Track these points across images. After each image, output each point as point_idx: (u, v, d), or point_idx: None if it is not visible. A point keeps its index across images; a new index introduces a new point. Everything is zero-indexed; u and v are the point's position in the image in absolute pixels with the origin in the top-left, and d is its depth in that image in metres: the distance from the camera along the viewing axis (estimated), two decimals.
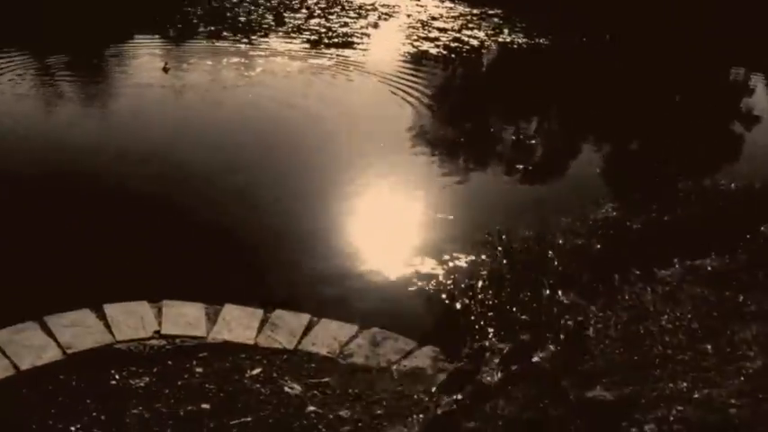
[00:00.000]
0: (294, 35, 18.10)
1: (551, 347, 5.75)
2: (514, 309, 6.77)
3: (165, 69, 14.25)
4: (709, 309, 5.50)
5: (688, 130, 12.00)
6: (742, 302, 5.41)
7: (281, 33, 18.22)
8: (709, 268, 6.40)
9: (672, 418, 4.09)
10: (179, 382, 5.14)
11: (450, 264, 7.58)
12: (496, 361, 5.87)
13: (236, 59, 15.38)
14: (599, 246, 7.64)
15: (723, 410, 4.08)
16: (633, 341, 5.31)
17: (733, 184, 8.58)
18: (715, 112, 13.50)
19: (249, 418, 4.77)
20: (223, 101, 12.66)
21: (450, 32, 18.85)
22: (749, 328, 4.93)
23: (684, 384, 4.47)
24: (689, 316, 5.44)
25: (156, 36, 17.23)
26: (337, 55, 16.29)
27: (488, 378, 5.42)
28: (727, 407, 4.11)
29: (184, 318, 5.92)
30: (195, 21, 18.71)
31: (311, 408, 4.98)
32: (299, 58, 15.93)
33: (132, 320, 5.79)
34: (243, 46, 16.65)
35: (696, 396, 4.30)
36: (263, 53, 16.10)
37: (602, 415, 4.35)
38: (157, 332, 5.70)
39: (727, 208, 7.97)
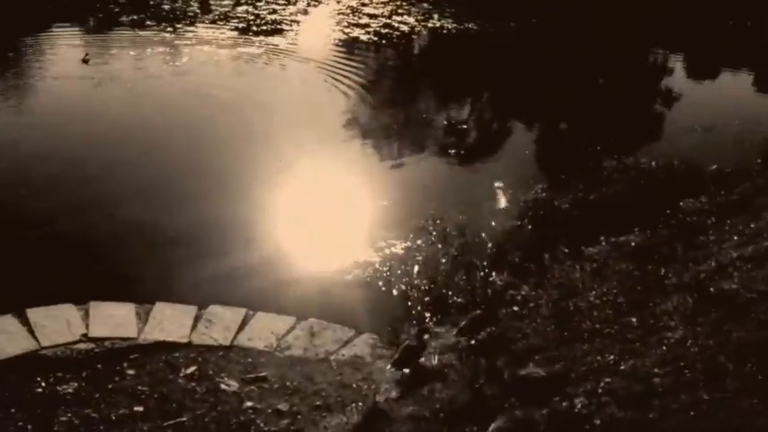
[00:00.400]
0: (221, 23, 17.69)
1: (486, 328, 5.87)
2: (450, 292, 6.86)
3: (86, 60, 13.71)
4: (634, 283, 5.72)
5: (611, 111, 12.36)
6: (663, 275, 5.65)
7: (207, 21, 17.76)
8: (633, 244, 6.64)
9: (600, 390, 4.24)
10: (110, 386, 5.00)
11: (386, 251, 7.61)
12: (434, 345, 5.96)
13: (160, 49, 14.92)
14: (529, 226, 7.81)
15: (647, 380, 4.26)
16: (563, 318, 5.48)
17: (654, 162, 8.90)
18: (637, 92, 13.95)
19: (184, 419, 4.69)
20: (147, 92, 12.27)
21: (380, 18, 18.79)
22: (670, 300, 5.15)
23: (611, 357, 4.64)
24: (615, 291, 5.64)
25: (76, 26, 16.55)
26: (266, 43, 16.02)
27: (426, 362, 5.49)
28: (652, 376, 4.29)
29: (113, 319, 5.75)
30: (117, 10, 18.04)
31: (249, 403, 4.93)
32: (227, 46, 15.59)
33: (58, 324, 5.58)
34: (168, 35, 16.16)
35: (622, 367, 4.46)
36: (189, 42, 15.68)
37: (534, 391, 4.47)
38: (85, 335, 5.52)
39: (648, 185, 8.26)
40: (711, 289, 5.09)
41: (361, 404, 4.95)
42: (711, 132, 10.50)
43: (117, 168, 9.09)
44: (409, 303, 6.79)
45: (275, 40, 16.39)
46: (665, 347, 4.55)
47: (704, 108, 12.35)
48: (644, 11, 19.17)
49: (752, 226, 6.21)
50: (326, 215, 8.45)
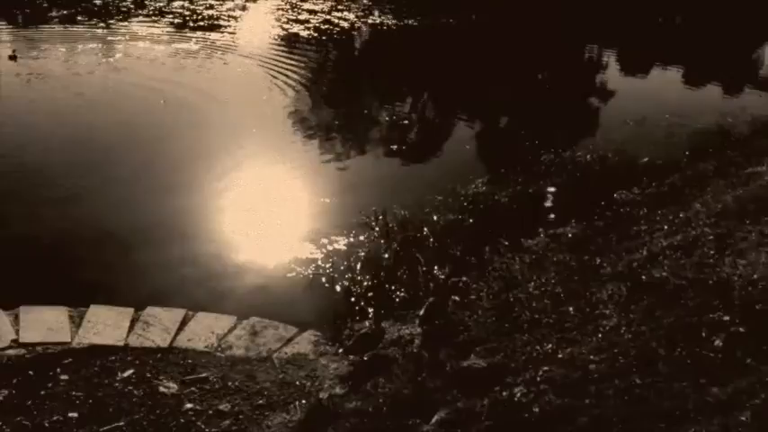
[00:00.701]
0: (156, 18, 17.30)
1: (429, 322, 5.91)
2: (393, 287, 6.88)
3: (13, 57, 13.18)
4: (571, 273, 5.86)
5: (549, 106, 12.64)
6: (598, 265, 5.80)
7: (141, 17, 17.35)
8: (570, 235, 6.81)
9: (539, 379, 4.34)
10: (42, 392, 4.82)
11: (329, 247, 7.58)
12: (377, 340, 5.97)
13: (93, 45, 14.48)
14: (470, 220, 7.91)
15: (584, 367, 4.37)
16: (504, 309, 5.57)
17: (589, 156, 9.14)
18: (573, 87, 14.29)
19: (122, 423, 4.56)
20: (77, 89, 11.88)
21: (319, 14, 18.70)
22: (605, 289, 5.30)
23: (550, 346, 4.74)
24: (553, 281, 5.77)
25: (2, 21, 15.89)
26: (204, 38, 15.74)
27: (369, 358, 5.50)
28: (588, 363, 4.40)
29: (45, 323, 5.54)
30: (45, 5, 17.42)
31: (188, 405, 4.83)
32: (162, 42, 15.24)
33: None
34: (100, 30, 15.71)
35: (560, 356, 4.57)
36: (122, 38, 15.27)
37: (476, 382, 4.53)
38: (15, 341, 5.31)
39: (584, 178, 8.49)
40: (643, 277, 5.26)
41: (304, 401, 4.91)
42: (643, 126, 10.84)
43: (46, 168, 8.78)
44: (352, 299, 6.78)
45: (213, 35, 16.12)
46: (600, 335, 4.68)
47: (636, 102, 12.74)
48: (579, 9, 19.65)
49: (681, 216, 6.44)
50: (268, 213, 8.36)
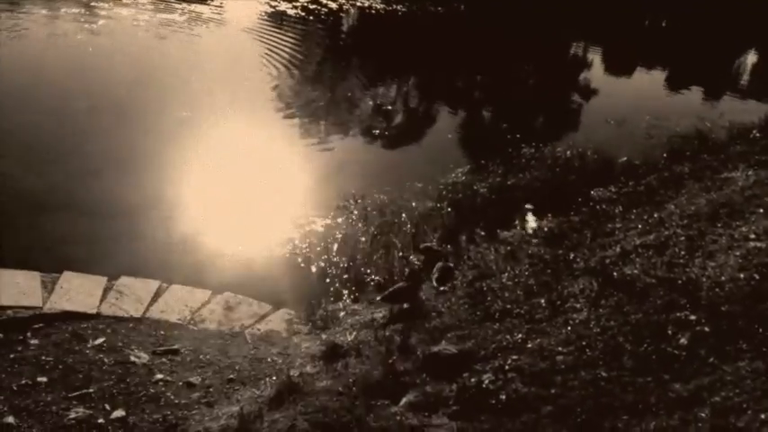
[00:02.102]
0: None
1: (402, 306, 5.97)
2: (368, 270, 6.92)
3: None
4: (544, 266, 5.94)
5: (532, 100, 12.71)
6: (572, 259, 5.89)
7: None
8: (546, 229, 6.89)
9: (507, 367, 4.42)
10: (12, 356, 4.79)
11: (307, 228, 7.59)
12: (350, 321, 6.02)
13: (75, 10, 14.20)
14: (448, 208, 7.96)
15: (551, 358, 4.46)
16: (477, 298, 5.64)
17: (569, 152, 9.22)
18: (557, 83, 14.38)
19: (91, 390, 4.55)
20: (57, 53, 11.67)
21: None
22: (577, 283, 5.39)
23: (519, 336, 4.82)
24: (526, 273, 5.85)
25: None
26: (190, 10, 15.52)
27: (341, 338, 5.54)
28: (556, 354, 4.50)
29: (17, 287, 5.50)
30: None
31: (159, 376, 4.84)
32: (146, 11, 15.00)
33: None
34: None
35: (529, 346, 4.65)
36: (105, 4, 14.99)
37: (445, 367, 4.60)
38: None
39: (563, 173, 8.57)
40: (615, 274, 5.36)
41: (275, 378, 4.94)
42: (623, 126, 10.98)
43: (24, 135, 8.66)
44: (327, 280, 6.82)
45: (199, 8, 15.89)
46: (569, 328, 4.77)
47: (618, 102, 12.87)
48: (567, 7, 19.71)
49: (655, 216, 6.55)
50: (248, 191, 8.33)
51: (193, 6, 15.92)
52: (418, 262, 6.90)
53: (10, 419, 4.20)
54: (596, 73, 15.55)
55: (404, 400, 4.35)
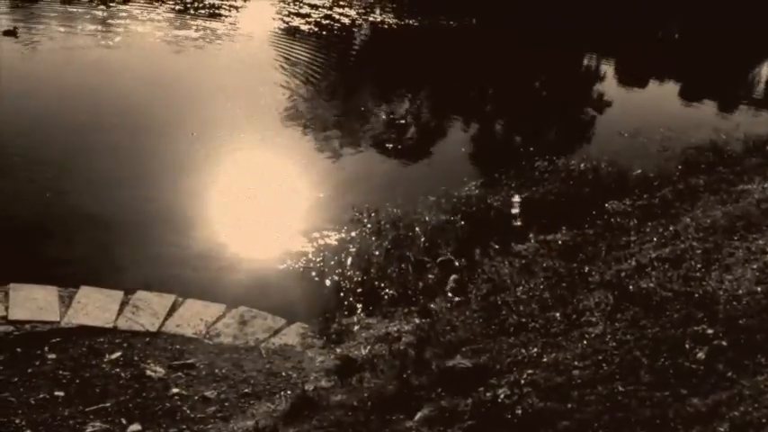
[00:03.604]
0: (157, 3, 17.23)
1: (416, 320, 5.97)
2: (382, 284, 6.92)
3: (13, 33, 13.11)
4: (559, 279, 5.92)
5: (545, 113, 12.72)
6: (587, 273, 5.87)
7: (141, 1, 17.27)
8: (560, 242, 6.88)
9: (522, 382, 4.39)
10: (29, 370, 4.83)
11: (320, 241, 7.61)
12: (364, 335, 6.02)
13: (92, 27, 14.42)
14: (462, 222, 7.96)
15: (567, 372, 4.43)
16: (491, 311, 5.63)
17: (583, 165, 9.20)
18: (570, 96, 14.38)
19: (108, 404, 4.58)
20: (80, 70, 11.85)
21: (321, 9, 18.70)
22: (592, 296, 5.37)
23: (535, 350, 4.80)
24: (541, 286, 5.83)
25: None
26: (205, 27, 15.70)
27: (356, 352, 5.54)
28: (572, 369, 4.47)
29: (35, 302, 5.55)
30: None
31: (175, 390, 4.86)
32: (162, 28, 15.20)
33: None
34: (100, 13, 15.64)
35: (545, 360, 4.63)
36: (122, 21, 15.21)
37: (460, 382, 4.59)
38: (4, 318, 5.32)
39: (577, 186, 8.55)
40: (631, 287, 5.33)
41: (289, 392, 4.95)
42: (637, 138, 10.93)
43: (44, 148, 8.78)
44: (341, 294, 6.82)
45: (213, 24, 16.08)
46: (585, 342, 4.74)
47: (632, 115, 12.83)
48: (580, 20, 19.75)
49: (671, 229, 6.52)
50: (262, 204, 8.38)
51: (209, 22, 16.11)
52: (432, 276, 6.90)
53: None
54: (609, 85, 15.53)
55: (419, 415, 4.34)
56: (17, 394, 4.57)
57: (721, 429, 3.56)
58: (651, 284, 5.26)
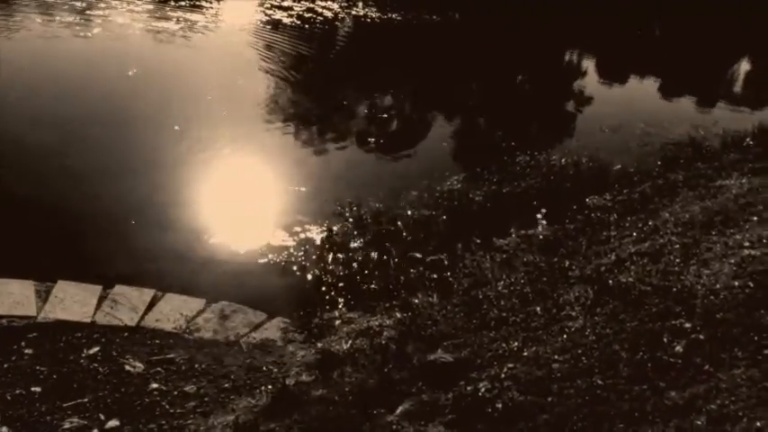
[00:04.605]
0: None
1: (397, 315, 5.97)
2: (363, 279, 6.91)
3: None
4: (540, 274, 5.96)
5: (527, 108, 12.76)
6: (567, 267, 5.90)
7: None
8: (541, 237, 6.91)
9: (503, 376, 4.42)
10: (5, 365, 4.77)
11: (302, 236, 7.58)
12: (345, 330, 6.01)
13: (69, 19, 14.21)
14: (444, 216, 7.97)
15: (548, 366, 4.46)
16: (472, 305, 5.65)
17: (564, 160, 9.25)
18: (551, 91, 14.45)
19: (86, 399, 4.53)
20: (55, 64, 11.68)
21: (303, 2, 18.58)
22: (572, 291, 5.41)
23: (516, 344, 4.83)
24: (522, 281, 5.86)
25: None
26: (185, 19, 15.54)
27: (337, 347, 5.53)
28: (552, 362, 4.50)
29: (11, 296, 5.48)
30: None
31: (154, 385, 4.82)
32: (141, 20, 15.02)
33: None
34: (78, 3, 15.41)
35: (525, 354, 4.66)
36: (100, 12, 15.01)
37: (441, 376, 4.60)
38: None
39: (558, 181, 8.60)
40: (610, 281, 5.37)
41: (270, 387, 4.93)
42: (618, 133, 11.00)
43: (23, 144, 8.64)
44: (323, 288, 6.81)
45: (194, 16, 15.92)
46: (565, 336, 4.78)
47: (612, 110, 12.91)
48: (561, 16, 19.82)
49: (650, 224, 6.58)
50: (243, 198, 8.33)
51: (189, 14, 15.94)
52: (413, 270, 6.90)
53: (3, 430, 4.18)
54: (591, 81, 15.60)
55: (400, 409, 4.35)
56: None
57: (699, 422, 3.61)
58: (630, 279, 5.31)
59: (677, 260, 5.48)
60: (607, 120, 11.66)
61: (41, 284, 5.75)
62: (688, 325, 4.47)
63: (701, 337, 4.32)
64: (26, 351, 4.95)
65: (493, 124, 12.22)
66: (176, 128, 9.67)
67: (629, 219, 6.89)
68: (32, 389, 4.56)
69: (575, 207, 7.62)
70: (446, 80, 14.02)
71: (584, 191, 8.09)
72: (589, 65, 16.75)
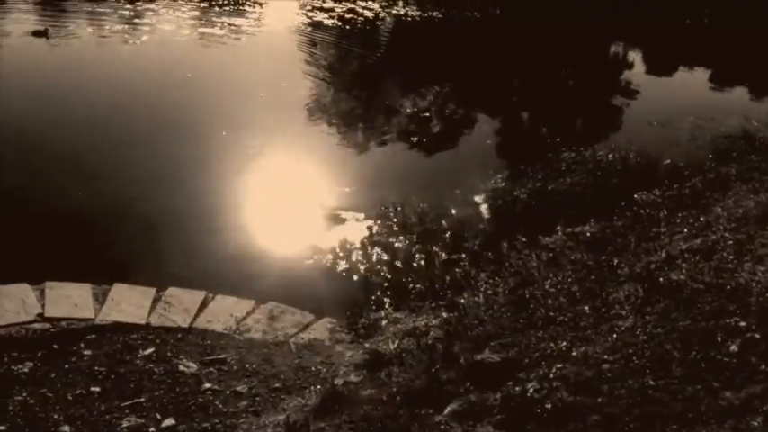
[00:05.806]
0: (181, 2, 17.39)
1: (444, 314, 5.97)
2: (409, 279, 6.94)
3: (44, 33, 13.34)
4: (588, 272, 5.88)
5: (572, 103, 12.59)
6: (616, 265, 5.81)
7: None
8: (588, 234, 6.81)
9: (552, 376, 4.38)
10: (66, 366, 4.95)
11: (347, 236, 7.65)
12: (392, 330, 6.04)
13: (119, 27, 14.62)
14: (488, 215, 7.94)
15: (597, 366, 4.41)
16: (519, 305, 5.61)
17: (611, 155, 9.10)
18: (597, 85, 14.22)
19: (142, 399, 4.67)
20: (109, 69, 12.04)
21: (344, 3, 18.70)
22: (622, 289, 5.32)
23: (564, 344, 4.78)
24: (569, 279, 5.79)
25: None
26: (229, 24, 15.82)
27: (384, 347, 5.57)
28: (601, 362, 4.44)
29: (70, 299, 5.67)
30: None
31: (207, 385, 4.94)
32: (187, 26, 15.35)
33: (12, 304, 5.49)
34: (126, 12, 15.84)
35: (574, 354, 4.61)
36: (148, 20, 15.39)
37: (489, 376, 4.59)
38: (41, 315, 5.44)
39: (605, 177, 8.45)
40: (661, 279, 5.27)
41: (319, 387, 4.99)
42: (667, 127, 10.76)
43: (79, 150, 8.95)
44: (369, 289, 6.86)
45: (238, 21, 16.19)
46: (615, 335, 4.71)
47: (661, 103, 12.64)
48: (605, 7, 19.46)
49: (701, 219, 6.43)
50: (289, 199, 8.45)
51: (233, 19, 16.22)
52: (459, 269, 6.89)
53: (65, 428, 4.35)
54: (637, 73, 15.30)
55: (448, 409, 4.35)
56: (54, 390, 4.69)
57: (755, 423, 3.53)
58: (682, 276, 5.20)
59: (731, 257, 5.34)
60: (655, 113, 11.43)
61: (98, 287, 5.94)
62: (743, 323, 4.36)
63: (757, 335, 4.21)
64: (85, 352, 5.13)
65: (537, 120, 12.09)
66: (224, 133, 9.87)
67: (679, 215, 6.74)
68: (92, 388, 4.72)
69: (623, 203, 7.49)
70: (489, 77, 13.93)
71: (632, 186, 7.93)
72: (636, 57, 16.43)
